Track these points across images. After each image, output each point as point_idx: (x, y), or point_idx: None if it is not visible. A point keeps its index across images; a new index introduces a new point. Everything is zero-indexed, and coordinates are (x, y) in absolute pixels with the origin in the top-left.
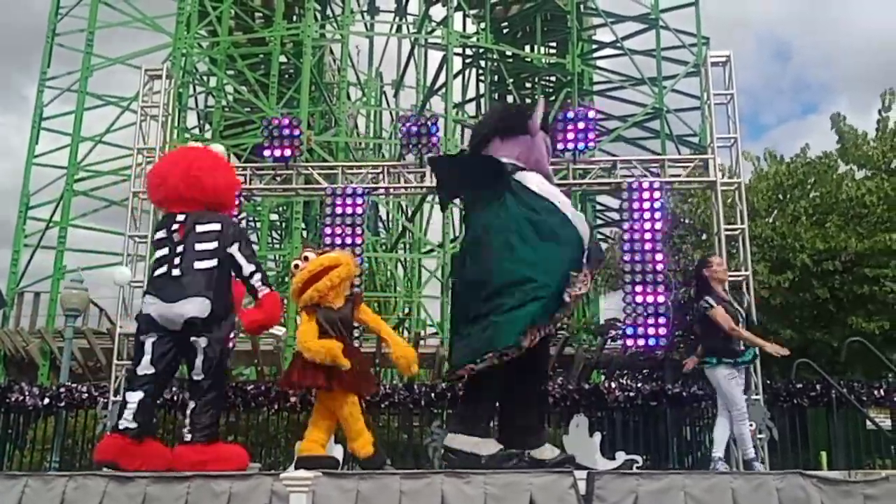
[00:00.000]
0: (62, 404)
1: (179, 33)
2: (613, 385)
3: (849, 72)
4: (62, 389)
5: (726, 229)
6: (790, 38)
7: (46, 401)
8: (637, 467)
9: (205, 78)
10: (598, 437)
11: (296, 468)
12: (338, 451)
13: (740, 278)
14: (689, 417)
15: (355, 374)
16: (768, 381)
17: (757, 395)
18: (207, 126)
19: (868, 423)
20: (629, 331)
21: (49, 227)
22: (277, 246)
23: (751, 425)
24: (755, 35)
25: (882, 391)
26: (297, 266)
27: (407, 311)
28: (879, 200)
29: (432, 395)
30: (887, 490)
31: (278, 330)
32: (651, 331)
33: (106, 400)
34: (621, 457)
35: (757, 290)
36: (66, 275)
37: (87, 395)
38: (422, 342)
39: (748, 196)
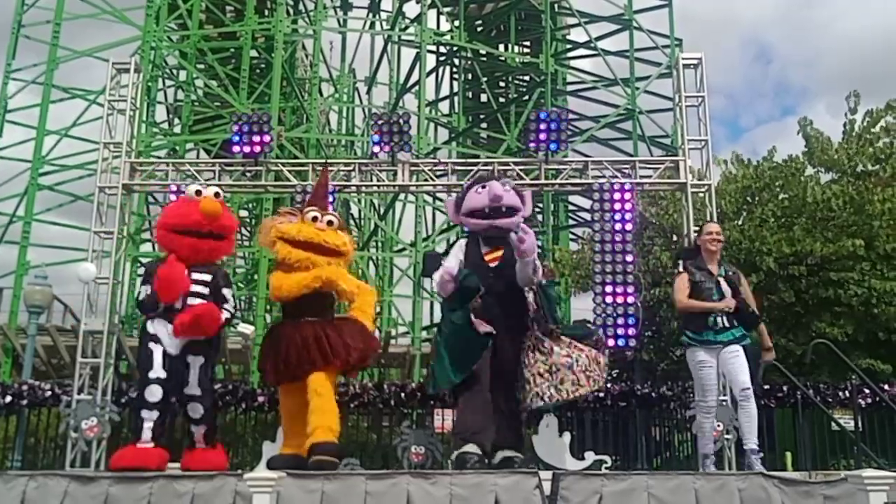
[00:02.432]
0: (24, 402)
1: (149, 26)
2: None
3: (829, 75)
4: (25, 387)
5: (695, 231)
6: (772, 41)
7: (8, 399)
8: (606, 467)
9: (174, 72)
10: (567, 437)
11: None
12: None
13: None
14: (658, 418)
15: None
16: None
17: (724, 396)
18: (177, 120)
19: (833, 424)
20: (599, 331)
21: (12, 222)
22: (246, 243)
23: (718, 425)
24: (739, 38)
25: (847, 393)
26: (315, 218)
27: (378, 309)
28: (845, 204)
29: (402, 395)
30: (846, 490)
31: (246, 328)
32: (621, 331)
33: (69, 398)
34: (590, 457)
35: None
36: (29, 270)
37: (50, 393)
38: (392, 341)
39: (717, 199)
